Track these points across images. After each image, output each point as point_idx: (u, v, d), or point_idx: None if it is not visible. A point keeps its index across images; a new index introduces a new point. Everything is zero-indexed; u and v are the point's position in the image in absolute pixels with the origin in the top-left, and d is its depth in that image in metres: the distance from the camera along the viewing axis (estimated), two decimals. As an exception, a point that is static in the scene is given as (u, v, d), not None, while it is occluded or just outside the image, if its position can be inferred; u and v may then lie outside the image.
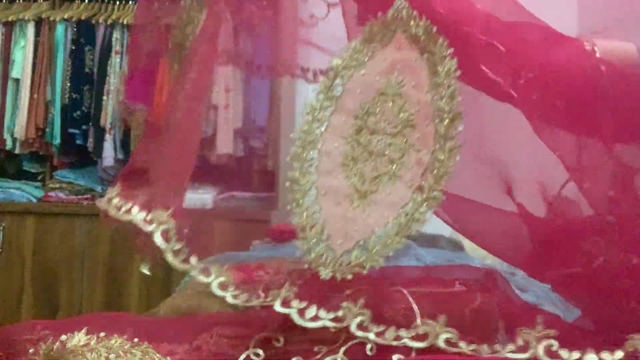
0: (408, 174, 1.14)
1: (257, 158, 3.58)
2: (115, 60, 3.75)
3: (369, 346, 1.09)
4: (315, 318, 1.11)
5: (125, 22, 3.76)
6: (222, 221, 3.31)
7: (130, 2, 3.83)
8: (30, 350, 1.04)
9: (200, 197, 3.49)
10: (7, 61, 3.83)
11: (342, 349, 1.10)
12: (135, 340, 1.05)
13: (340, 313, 1.11)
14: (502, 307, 1.18)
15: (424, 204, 1.12)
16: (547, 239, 1.16)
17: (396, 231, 1.13)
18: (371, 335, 1.09)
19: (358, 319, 1.10)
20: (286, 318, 1.13)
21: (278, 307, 1.12)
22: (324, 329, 1.12)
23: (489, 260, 1.86)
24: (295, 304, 1.12)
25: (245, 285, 1.20)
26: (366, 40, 1.18)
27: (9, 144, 3.80)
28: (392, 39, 1.17)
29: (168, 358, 1.09)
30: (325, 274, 1.15)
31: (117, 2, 3.85)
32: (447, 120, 1.11)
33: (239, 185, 3.55)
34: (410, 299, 1.10)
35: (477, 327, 1.10)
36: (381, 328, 1.09)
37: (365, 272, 1.14)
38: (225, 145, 3.44)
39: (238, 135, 3.53)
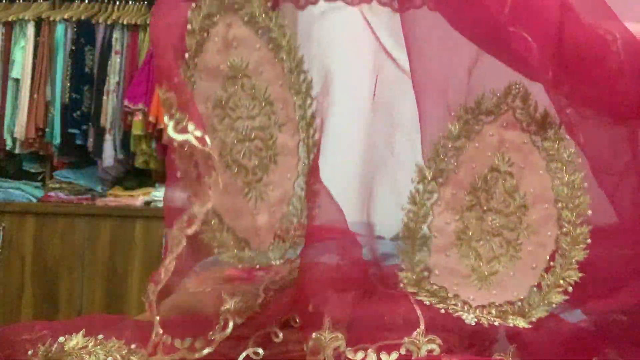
0: (530, 257, 1.08)
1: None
2: (115, 60, 3.76)
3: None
4: None
5: (125, 22, 3.76)
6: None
7: (130, 2, 3.84)
8: (30, 352, 1.04)
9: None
10: (7, 61, 3.83)
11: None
12: (133, 346, 1.04)
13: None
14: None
15: (559, 282, 1.06)
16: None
17: (534, 308, 1.07)
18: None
19: None
20: (282, 312, 1.12)
21: None
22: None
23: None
24: None
25: None
26: (474, 110, 1.11)
27: (9, 144, 3.80)
28: (499, 116, 1.10)
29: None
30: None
31: (117, 2, 3.85)
32: (572, 209, 1.06)
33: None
34: (416, 307, 1.08)
35: (478, 330, 1.09)
36: None
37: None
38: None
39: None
